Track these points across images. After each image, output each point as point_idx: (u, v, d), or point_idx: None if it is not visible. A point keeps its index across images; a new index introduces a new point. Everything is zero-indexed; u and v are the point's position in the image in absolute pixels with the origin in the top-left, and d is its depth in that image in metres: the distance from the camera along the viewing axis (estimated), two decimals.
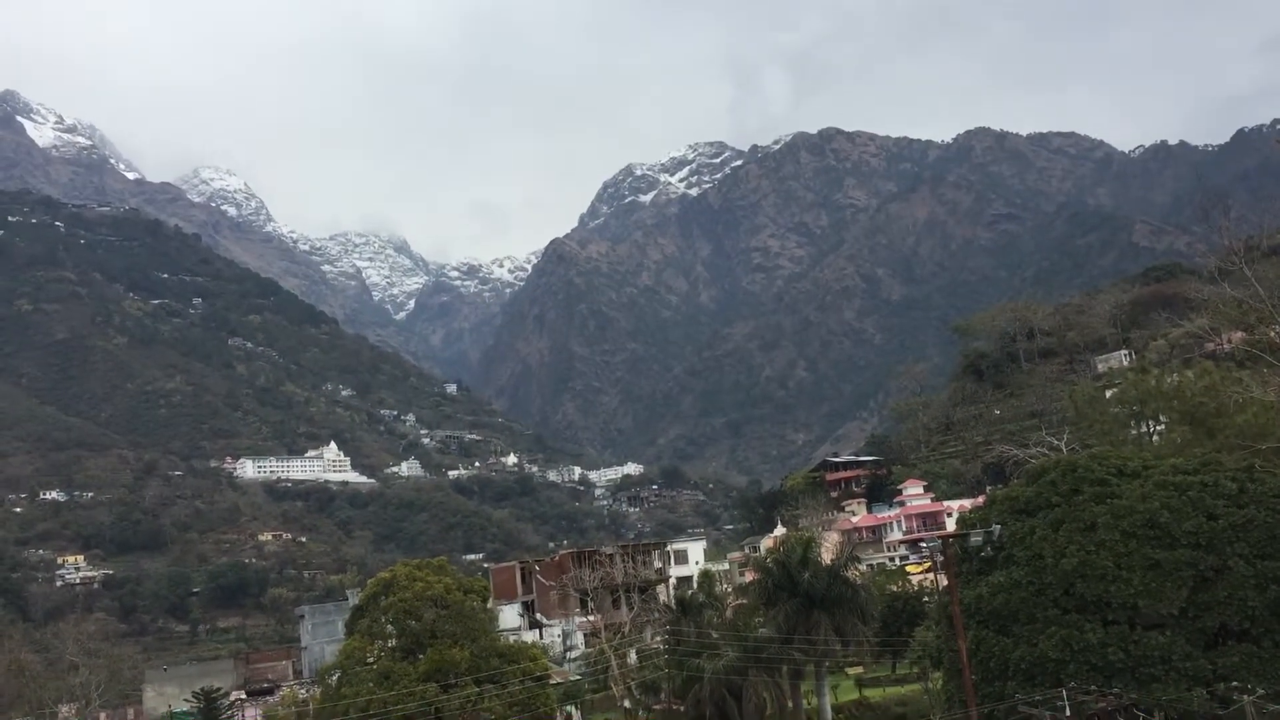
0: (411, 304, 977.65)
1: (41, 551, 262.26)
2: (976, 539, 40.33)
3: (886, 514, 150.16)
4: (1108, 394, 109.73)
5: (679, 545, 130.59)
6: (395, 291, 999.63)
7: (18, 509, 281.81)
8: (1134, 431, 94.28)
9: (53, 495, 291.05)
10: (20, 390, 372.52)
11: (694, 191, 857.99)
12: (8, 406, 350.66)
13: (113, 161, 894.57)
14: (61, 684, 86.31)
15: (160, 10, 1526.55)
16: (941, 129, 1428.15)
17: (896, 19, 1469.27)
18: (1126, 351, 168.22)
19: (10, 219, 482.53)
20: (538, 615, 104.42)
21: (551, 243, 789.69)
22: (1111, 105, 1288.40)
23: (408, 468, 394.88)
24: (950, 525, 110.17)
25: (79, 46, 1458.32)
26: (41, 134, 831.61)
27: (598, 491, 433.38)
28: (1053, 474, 42.28)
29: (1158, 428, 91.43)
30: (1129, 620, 37.50)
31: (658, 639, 76.65)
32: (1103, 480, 40.51)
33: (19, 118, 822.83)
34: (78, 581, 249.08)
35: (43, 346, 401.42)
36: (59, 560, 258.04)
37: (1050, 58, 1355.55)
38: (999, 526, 40.66)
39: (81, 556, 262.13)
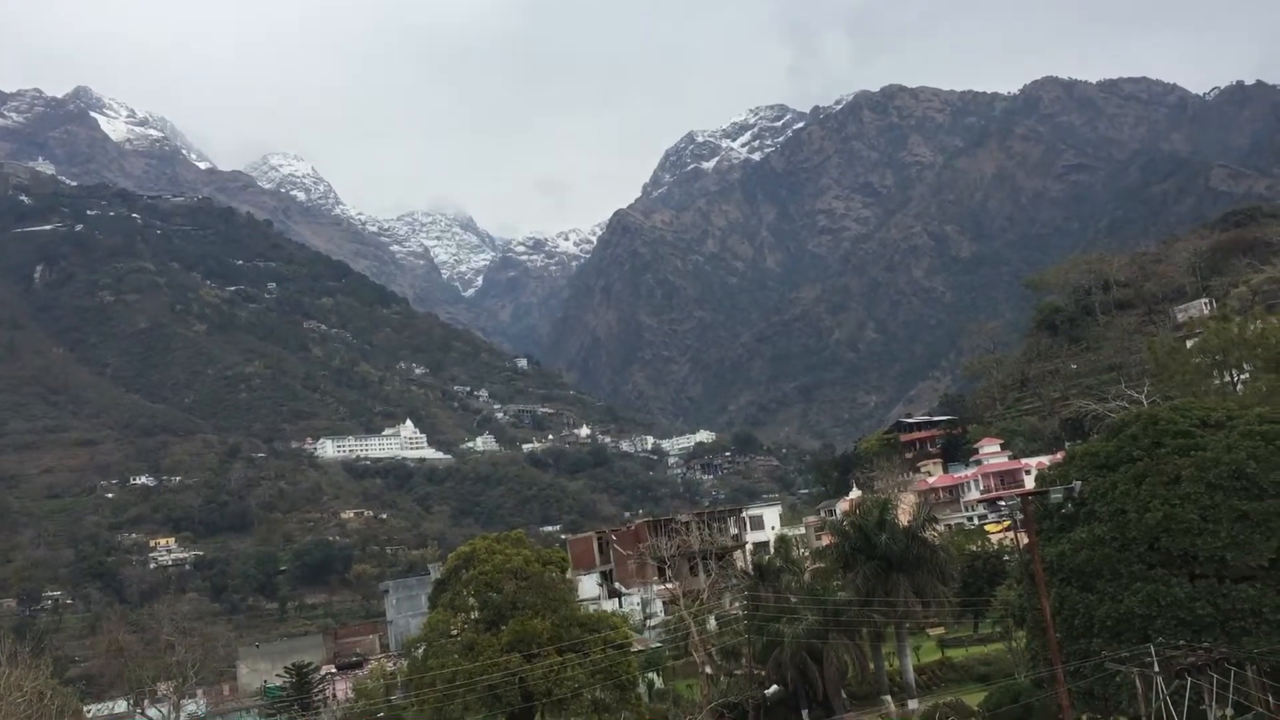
0: (480, 281, 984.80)
1: (134, 535, 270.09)
2: (1057, 496, 39.79)
3: (963, 473, 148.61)
4: (1188, 344, 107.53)
5: (754, 511, 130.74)
6: (463, 269, 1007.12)
7: (109, 494, 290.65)
8: (1217, 381, 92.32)
9: (142, 480, 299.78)
10: (106, 379, 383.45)
11: (756, 156, 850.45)
12: (95, 395, 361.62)
13: (184, 152, 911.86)
14: (159, 662, 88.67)
15: (223, 2, 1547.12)
16: (1008, 81, 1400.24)
17: None
18: (1207, 300, 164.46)
19: (89, 212, 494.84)
20: (616, 584, 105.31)
21: (616, 214, 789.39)
22: (1184, 48, 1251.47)
23: (482, 442, 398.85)
24: (1029, 483, 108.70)
25: (146, 41, 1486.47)
26: (114, 128, 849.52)
27: (671, 460, 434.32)
28: (1134, 427, 41.53)
29: (1241, 376, 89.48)
30: (1217, 573, 36.88)
31: (736, 605, 76.94)
32: (1186, 432, 39.71)
33: (92, 113, 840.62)
34: (170, 563, 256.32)
35: (126, 336, 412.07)
36: (151, 543, 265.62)
37: (1118, 2, 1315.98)
38: (1079, 482, 40.04)
39: (172, 539, 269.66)
